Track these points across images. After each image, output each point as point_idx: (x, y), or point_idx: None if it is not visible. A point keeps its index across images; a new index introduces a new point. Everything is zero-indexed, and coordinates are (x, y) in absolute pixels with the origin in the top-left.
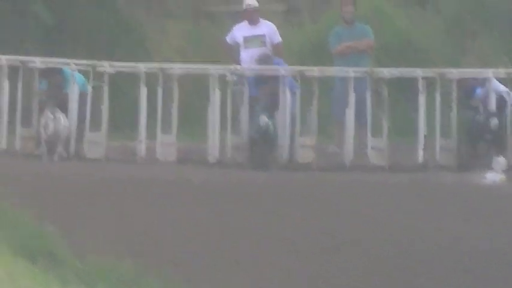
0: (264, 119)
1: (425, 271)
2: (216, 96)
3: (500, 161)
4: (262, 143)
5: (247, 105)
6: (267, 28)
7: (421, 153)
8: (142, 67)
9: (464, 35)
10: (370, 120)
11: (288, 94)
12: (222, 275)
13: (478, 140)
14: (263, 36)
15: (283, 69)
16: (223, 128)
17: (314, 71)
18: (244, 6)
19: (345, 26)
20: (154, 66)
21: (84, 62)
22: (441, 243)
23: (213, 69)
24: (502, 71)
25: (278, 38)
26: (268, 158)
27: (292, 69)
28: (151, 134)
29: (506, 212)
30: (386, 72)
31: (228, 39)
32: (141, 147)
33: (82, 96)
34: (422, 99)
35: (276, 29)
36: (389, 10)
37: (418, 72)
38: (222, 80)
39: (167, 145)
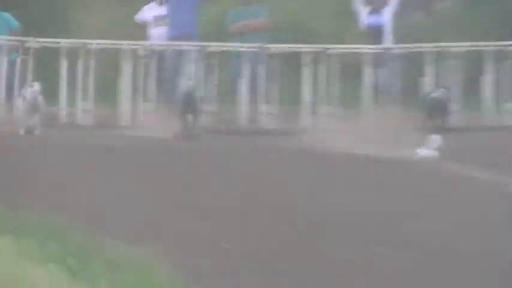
0: (188, 83)
1: (329, 237)
2: (128, 68)
3: (435, 138)
4: (188, 108)
5: (154, 76)
6: None
7: (306, 118)
8: (64, 43)
9: (350, 16)
10: (263, 90)
11: (193, 66)
12: (138, 234)
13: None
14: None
15: (188, 45)
16: (135, 96)
17: (214, 46)
18: None
19: (243, 7)
20: (75, 41)
21: (12, 37)
22: (343, 209)
23: (126, 45)
24: (379, 47)
25: None
26: (194, 124)
27: (196, 45)
28: (72, 102)
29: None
30: (277, 47)
31: (138, 17)
32: (63, 114)
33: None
34: (306, 72)
35: None
36: None
37: (304, 48)
38: (134, 54)
39: (86, 111)
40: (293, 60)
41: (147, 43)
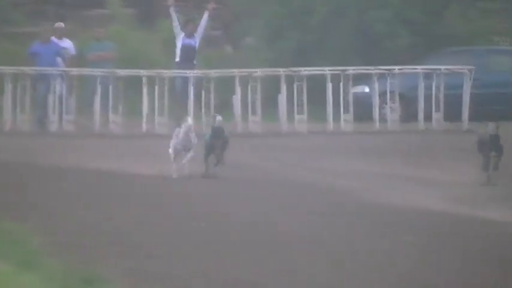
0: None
1: None
2: (9, 87)
3: None
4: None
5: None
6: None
7: (144, 126)
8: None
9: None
10: (111, 102)
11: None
12: None
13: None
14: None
15: (56, 70)
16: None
17: (75, 71)
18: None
19: (97, 42)
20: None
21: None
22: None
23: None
24: (200, 72)
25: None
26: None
27: (61, 70)
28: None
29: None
30: (122, 72)
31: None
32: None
33: None
34: (145, 91)
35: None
36: (124, 32)
37: (143, 72)
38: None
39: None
40: (134, 82)
41: (24, 69)
